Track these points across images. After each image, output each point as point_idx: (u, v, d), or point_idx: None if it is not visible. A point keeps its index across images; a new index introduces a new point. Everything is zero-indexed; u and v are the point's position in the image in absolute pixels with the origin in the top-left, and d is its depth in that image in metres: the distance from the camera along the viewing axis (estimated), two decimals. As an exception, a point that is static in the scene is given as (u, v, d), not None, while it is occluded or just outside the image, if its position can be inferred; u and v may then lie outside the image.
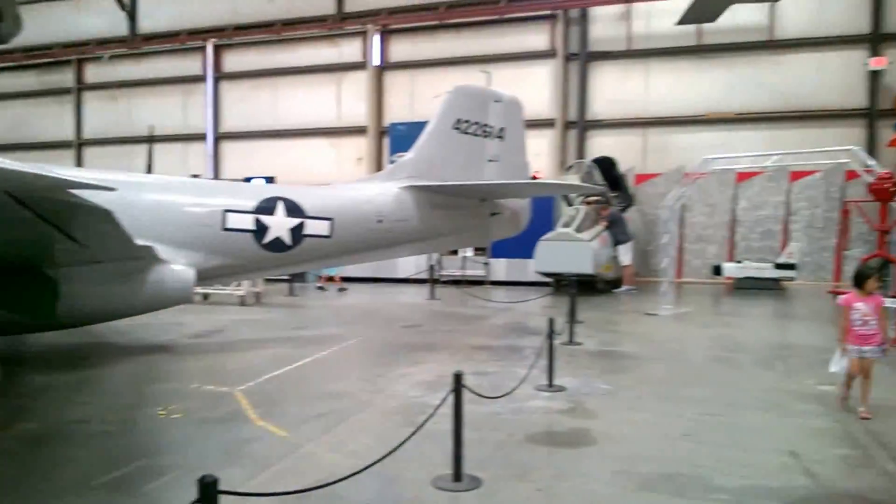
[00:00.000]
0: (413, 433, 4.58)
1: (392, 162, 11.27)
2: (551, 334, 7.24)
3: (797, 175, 18.59)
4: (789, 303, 15.02)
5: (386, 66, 23.02)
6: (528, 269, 16.31)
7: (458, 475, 4.67)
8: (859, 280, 6.59)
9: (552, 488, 4.66)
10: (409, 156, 10.39)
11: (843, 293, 10.35)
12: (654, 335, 10.77)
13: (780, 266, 17.03)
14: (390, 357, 9.00)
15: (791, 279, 17.13)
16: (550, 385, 7.23)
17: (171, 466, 5.03)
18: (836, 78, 18.95)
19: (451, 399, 4.73)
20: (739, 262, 17.97)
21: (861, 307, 6.37)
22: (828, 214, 18.03)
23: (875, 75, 18.55)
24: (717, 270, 17.78)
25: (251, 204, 8.98)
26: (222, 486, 3.04)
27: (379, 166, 21.23)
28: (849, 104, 18.85)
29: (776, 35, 19.37)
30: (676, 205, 14.14)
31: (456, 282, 16.74)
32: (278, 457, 5.21)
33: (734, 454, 5.35)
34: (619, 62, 20.71)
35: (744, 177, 18.96)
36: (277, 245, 9.06)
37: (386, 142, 22.21)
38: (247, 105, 24.48)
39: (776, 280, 16.95)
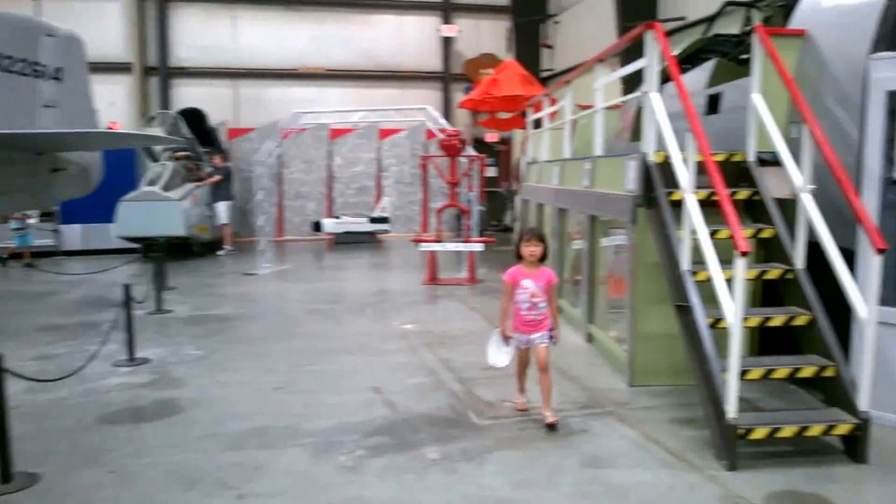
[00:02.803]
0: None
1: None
2: (128, 303, 6.93)
3: (386, 133, 20.36)
4: (383, 254, 16.59)
5: None
6: (111, 234, 15.19)
7: (6, 476, 4.23)
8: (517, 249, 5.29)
9: (128, 467, 4.51)
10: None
11: (424, 240, 11.91)
12: (252, 295, 10.99)
13: (374, 220, 18.64)
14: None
15: (386, 232, 18.92)
16: (131, 359, 6.92)
17: None
18: (416, 41, 21.20)
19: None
20: (338, 217, 19.14)
21: (529, 286, 5.11)
22: (413, 170, 20.17)
23: (448, 41, 21.25)
24: (316, 227, 18.68)
25: None
26: None
27: None
28: (427, 67, 21.28)
29: (361, -5, 20.86)
30: (271, 160, 14.47)
31: (16, 255, 14.81)
32: None
33: (323, 399, 5.81)
34: (203, 5, 20.14)
35: (337, 133, 20.12)
36: None
37: None
38: None
39: (372, 233, 18.56)
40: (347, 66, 20.72)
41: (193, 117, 17.45)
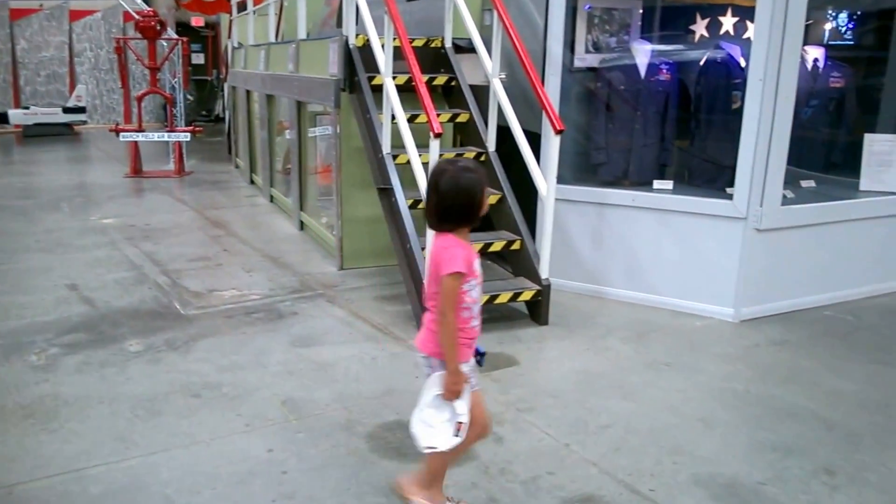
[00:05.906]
0: None
1: None
2: None
3: (77, 14, 17.66)
4: (81, 146, 14.65)
5: None
6: None
7: None
8: (472, 206, 2.25)
9: None
10: None
11: (124, 130, 10.58)
12: (-84, 195, 9.12)
13: (68, 110, 16.39)
14: None
15: (83, 122, 16.74)
16: None
17: None
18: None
19: None
20: (27, 108, 16.59)
21: (479, 271, 2.36)
22: (112, 56, 17.85)
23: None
24: (2, 118, 16.10)
25: None
26: None
27: None
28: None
29: None
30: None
31: None
32: None
33: (10, 299, 4.95)
34: None
35: (19, 14, 17.03)
36: None
37: None
38: None
39: (67, 125, 16.32)
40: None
41: None
